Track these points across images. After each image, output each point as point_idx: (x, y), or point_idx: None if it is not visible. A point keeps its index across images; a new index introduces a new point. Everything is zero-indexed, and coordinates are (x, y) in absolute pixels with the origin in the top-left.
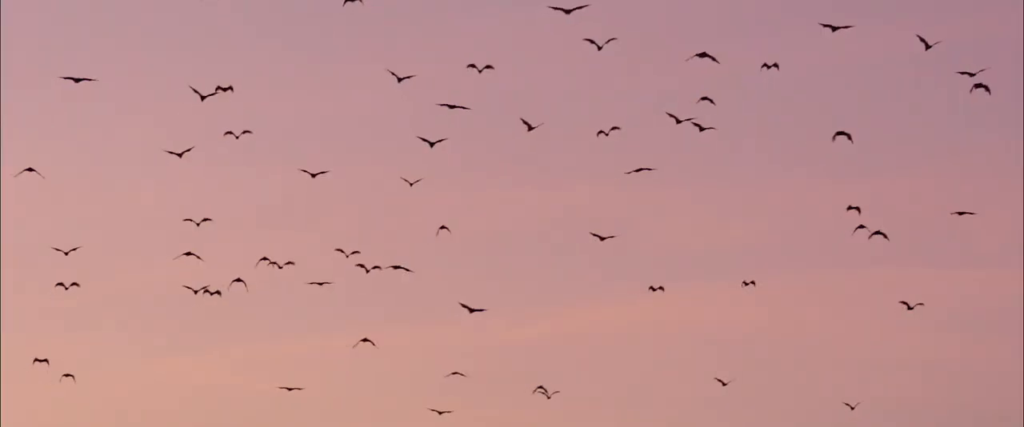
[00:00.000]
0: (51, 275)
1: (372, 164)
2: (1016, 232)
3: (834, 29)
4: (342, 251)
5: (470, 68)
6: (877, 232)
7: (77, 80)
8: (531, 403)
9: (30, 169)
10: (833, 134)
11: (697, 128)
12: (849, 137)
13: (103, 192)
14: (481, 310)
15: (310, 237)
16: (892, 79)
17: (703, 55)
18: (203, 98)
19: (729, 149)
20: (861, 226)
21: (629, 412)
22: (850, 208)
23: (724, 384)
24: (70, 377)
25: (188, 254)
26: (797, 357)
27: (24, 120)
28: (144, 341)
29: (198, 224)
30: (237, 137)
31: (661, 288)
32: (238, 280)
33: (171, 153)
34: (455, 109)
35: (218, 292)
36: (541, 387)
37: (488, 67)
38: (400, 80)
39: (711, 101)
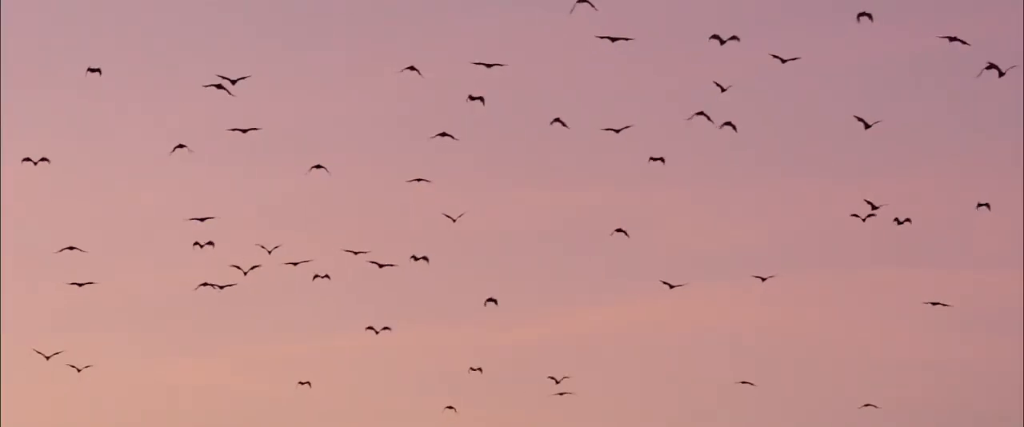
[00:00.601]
0: (58, 273)
1: (380, 162)
2: None
3: (860, 17)
4: (352, 251)
5: (477, 65)
6: (902, 220)
7: (96, 70)
8: (546, 402)
9: (28, 159)
10: (854, 120)
11: (731, 127)
12: (866, 124)
13: (107, 190)
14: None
15: (321, 235)
16: (908, 74)
17: (716, 37)
18: (227, 84)
19: (745, 147)
20: (872, 213)
21: (644, 411)
22: (871, 210)
23: (743, 383)
24: (76, 369)
25: (198, 243)
26: (813, 356)
27: (26, 115)
28: (151, 340)
29: (202, 221)
30: (244, 132)
31: (678, 285)
32: (246, 271)
33: (178, 147)
34: (475, 100)
35: (228, 286)
36: (553, 379)
37: (497, 64)
38: (412, 70)
39: (722, 88)
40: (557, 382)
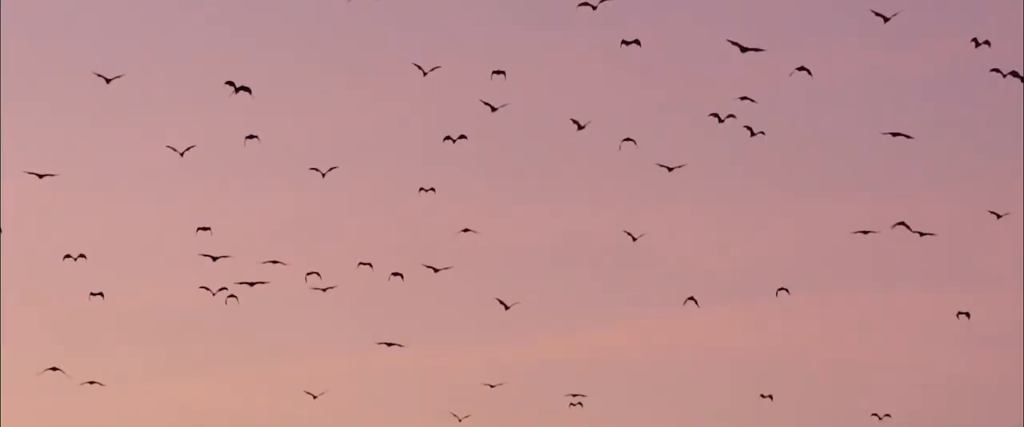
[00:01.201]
0: (65, 283)
1: (389, 172)
2: None
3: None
4: (365, 263)
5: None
6: (923, 232)
7: (108, 79)
8: (563, 416)
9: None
10: (885, 134)
11: (748, 131)
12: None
13: (114, 202)
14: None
15: (332, 247)
16: (930, 89)
17: (738, 46)
18: (238, 90)
19: (765, 160)
20: (901, 223)
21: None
22: (897, 224)
23: (764, 397)
24: (81, 384)
25: (207, 256)
26: (830, 372)
27: (27, 123)
28: (157, 356)
29: (198, 230)
30: (252, 137)
31: (695, 301)
32: (252, 284)
33: (172, 150)
34: (488, 106)
35: (234, 296)
36: (573, 396)
37: (500, 73)
38: (425, 73)
39: (752, 100)
40: (574, 397)
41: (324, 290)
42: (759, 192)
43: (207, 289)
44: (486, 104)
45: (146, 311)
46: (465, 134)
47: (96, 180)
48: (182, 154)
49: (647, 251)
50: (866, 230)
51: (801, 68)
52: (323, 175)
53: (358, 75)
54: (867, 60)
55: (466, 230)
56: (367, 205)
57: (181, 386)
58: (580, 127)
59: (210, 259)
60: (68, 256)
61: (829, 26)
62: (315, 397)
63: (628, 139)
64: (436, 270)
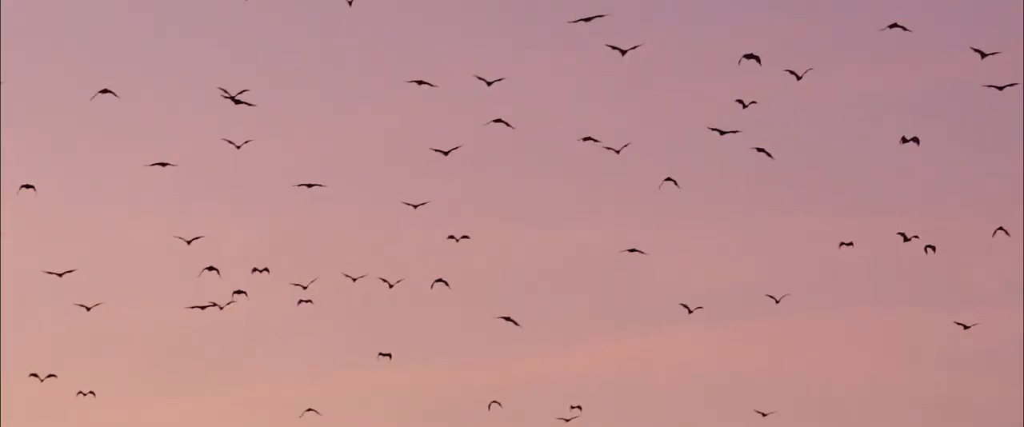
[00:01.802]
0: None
1: (381, 189)
2: None
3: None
4: (349, 276)
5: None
6: (929, 246)
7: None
8: None
9: (28, 186)
10: (901, 140)
11: (750, 149)
12: (916, 141)
13: (101, 216)
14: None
15: (323, 261)
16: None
17: (750, 57)
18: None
19: (768, 174)
20: (916, 237)
21: None
22: (842, 244)
23: (761, 414)
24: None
25: (210, 268)
26: (827, 389)
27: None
28: (146, 372)
29: (189, 242)
30: (238, 147)
31: (697, 308)
32: (240, 291)
33: (155, 164)
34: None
35: (222, 306)
36: (571, 408)
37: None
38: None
39: (744, 104)
40: (571, 409)
41: (305, 301)
42: (756, 209)
43: (200, 307)
44: (499, 121)
45: (134, 326)
46: (458, 146)
47: (82, 194)
48: (163, 165)
49: (643, 268)
50: (849, 242)
51: (793, 73)
52: (310, 186)
53: (350, 89)
54: (866, 74)
55: (451, 237)
56: (359, 219)
57: (171, 403)
58: (585, 140)
59: (200, 272)
60: (51, 273)
61: (828, 39)
62: (311, 412)
63: (618, 149)
64: (447, 283)
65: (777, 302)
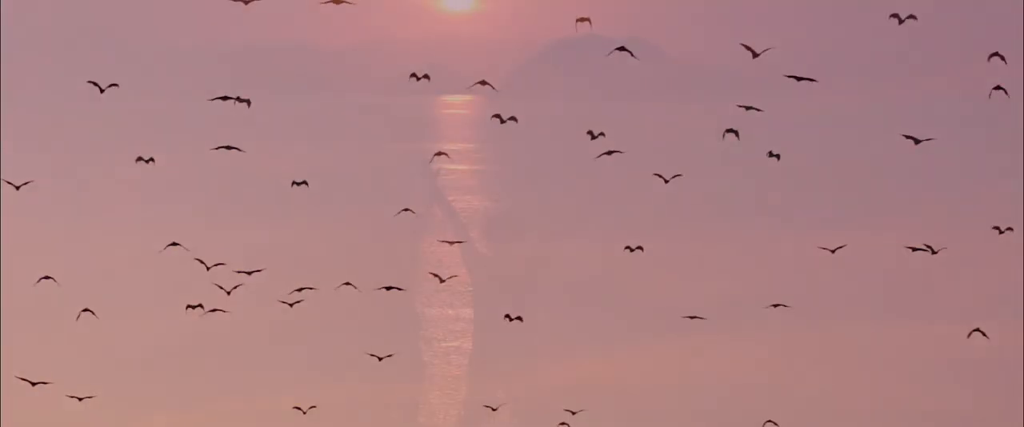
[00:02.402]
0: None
1: (378, 192)
2: None
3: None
4: (350, 284)
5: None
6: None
7: (102, 89)
8: None
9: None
10: (912, 140)
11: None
12: (916, 141)
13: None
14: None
15: (325, 268)
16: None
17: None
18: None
19: (767, 186)
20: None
21: None
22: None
23: (770, 423)
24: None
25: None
26: (833, 397)
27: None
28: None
29: (168, 247)
30: (229, 148)
31: (699, 318)
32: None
33: (140, 160)
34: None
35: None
36: (571, 413)
37: (512, 119)
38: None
39: (736, 134)
40: (571, 414)
41: (295, 304)
42: (762, 218)
43: (193, 307)
44: (499, 116)
45: (130, 331)
46: (456, 148)
47: (73, 194)
48: (150, 160)
49: (647, 275)
50: (835, 248)
51: (797, 77)
52: (305, 183)
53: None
54: (878, 81)
55: (443, 242)
56: (354, 223)
57: (165, 409)
58: (594, 137)
59: (190, 273)
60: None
61: (836, 44)
62: (305, 412)
63: (614, 152)
64: (442, 280)
65: (783, 315)
